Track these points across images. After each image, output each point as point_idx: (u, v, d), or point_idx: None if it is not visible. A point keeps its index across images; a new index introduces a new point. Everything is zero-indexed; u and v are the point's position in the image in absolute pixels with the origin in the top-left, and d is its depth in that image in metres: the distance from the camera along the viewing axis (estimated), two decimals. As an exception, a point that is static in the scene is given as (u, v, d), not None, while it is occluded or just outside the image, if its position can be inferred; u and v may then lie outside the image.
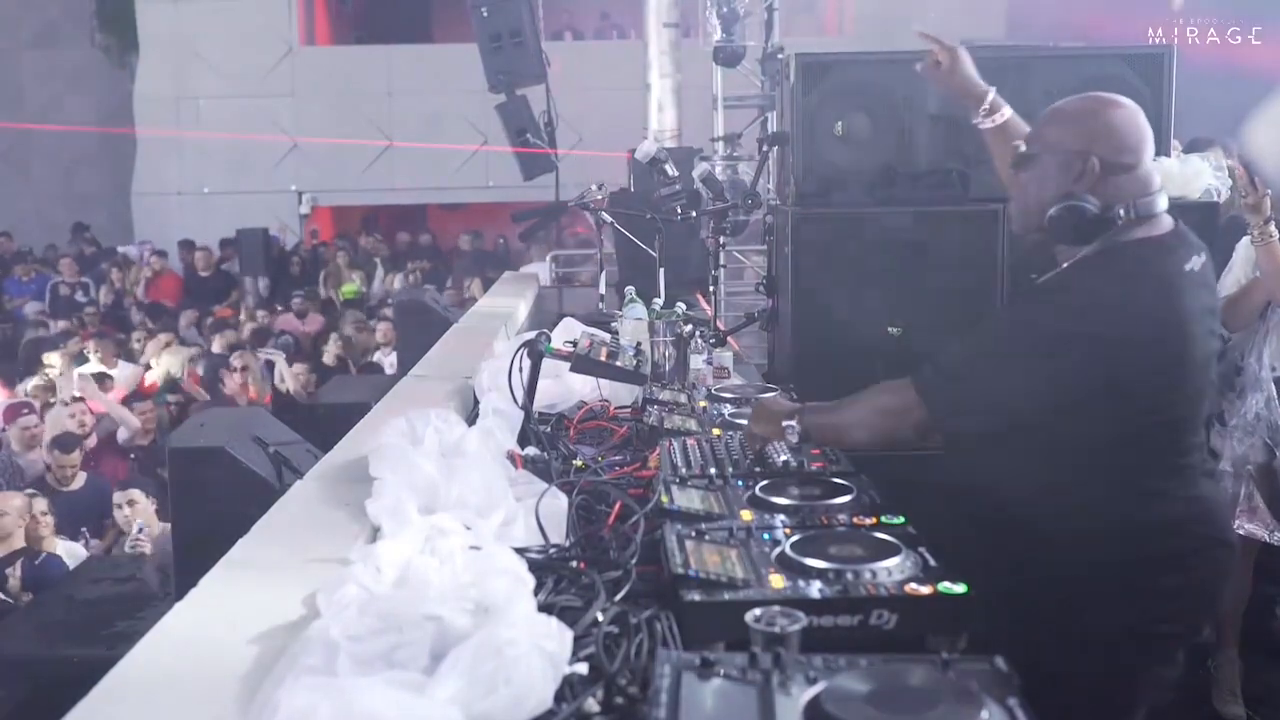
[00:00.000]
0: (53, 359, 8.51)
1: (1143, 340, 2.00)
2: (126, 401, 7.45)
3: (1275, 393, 3.77)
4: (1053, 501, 2.09)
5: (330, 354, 8.74)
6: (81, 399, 6.88)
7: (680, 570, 1.58)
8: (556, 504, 2.00)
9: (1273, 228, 3.60)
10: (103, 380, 7.73)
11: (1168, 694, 2.23)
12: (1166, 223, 2.10)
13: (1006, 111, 2.51)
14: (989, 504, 2.16)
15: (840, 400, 2.27)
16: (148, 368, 8.62)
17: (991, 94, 2.51)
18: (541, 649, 1.30)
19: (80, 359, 8.54)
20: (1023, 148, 2.18)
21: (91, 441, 6.49)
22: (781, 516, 1.85)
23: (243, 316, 10.48)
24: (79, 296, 11.96)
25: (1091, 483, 2.08)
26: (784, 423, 2.23)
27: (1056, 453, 2.07)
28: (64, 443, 5.99)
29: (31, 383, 7.77)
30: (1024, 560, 2.14)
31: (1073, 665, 2.09)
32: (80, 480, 5.92)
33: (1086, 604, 2.09)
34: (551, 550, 1.85)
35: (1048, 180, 2.10)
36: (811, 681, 1.23)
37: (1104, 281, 2.03)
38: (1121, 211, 2.04)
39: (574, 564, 1.77)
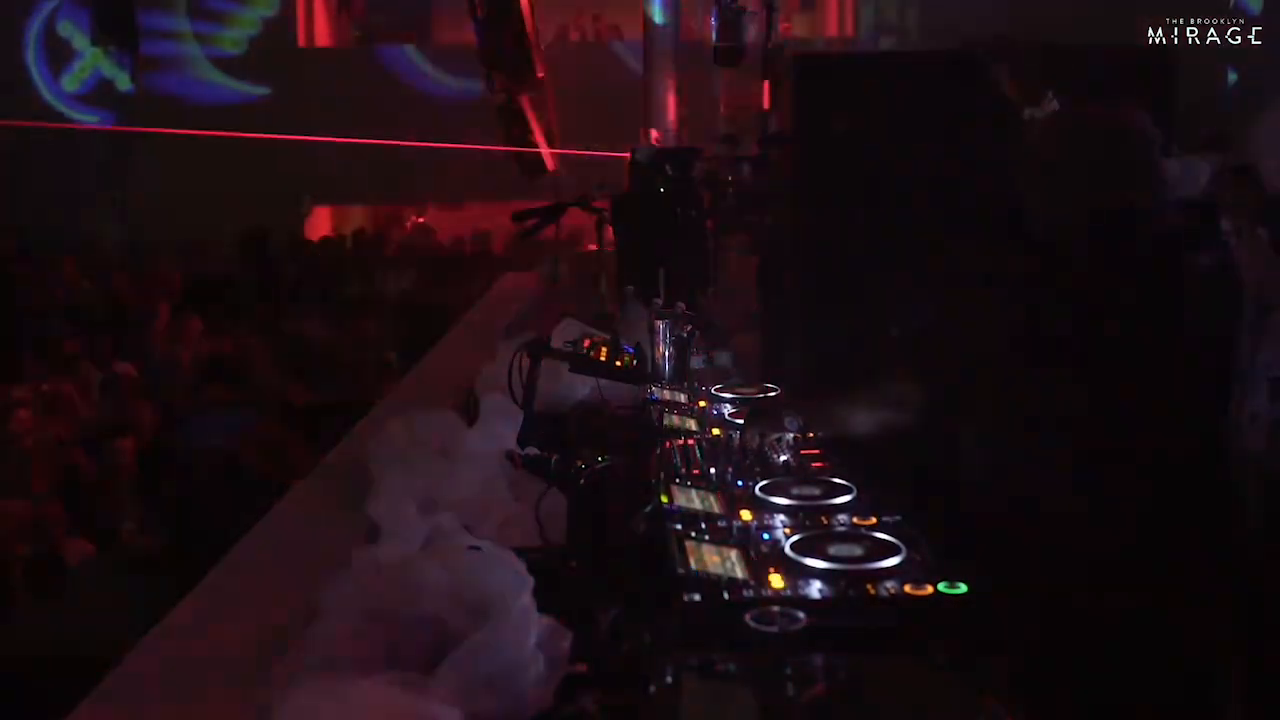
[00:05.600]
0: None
1: None
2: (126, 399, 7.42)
3: (1273, 392, 3.77)
4: None
5: (331, 353, 8.71)
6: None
7: (680, 570, 1.58)
8: (556, 504, 2.00)
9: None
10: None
11: None
12: None
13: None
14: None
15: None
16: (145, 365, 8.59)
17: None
18: (541, 649, 1.30)
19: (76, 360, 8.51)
20: None
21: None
22: (781, 516, 1.85)
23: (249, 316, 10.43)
24: (75, 300, 11.94)
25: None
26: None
27: None
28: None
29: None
30: None
31: None
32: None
33: None
34: (551, 550, 1.85)
35: None
36: (811, 681, 1.23)
37: None
38: None
39: (574, 564, 1.77)
